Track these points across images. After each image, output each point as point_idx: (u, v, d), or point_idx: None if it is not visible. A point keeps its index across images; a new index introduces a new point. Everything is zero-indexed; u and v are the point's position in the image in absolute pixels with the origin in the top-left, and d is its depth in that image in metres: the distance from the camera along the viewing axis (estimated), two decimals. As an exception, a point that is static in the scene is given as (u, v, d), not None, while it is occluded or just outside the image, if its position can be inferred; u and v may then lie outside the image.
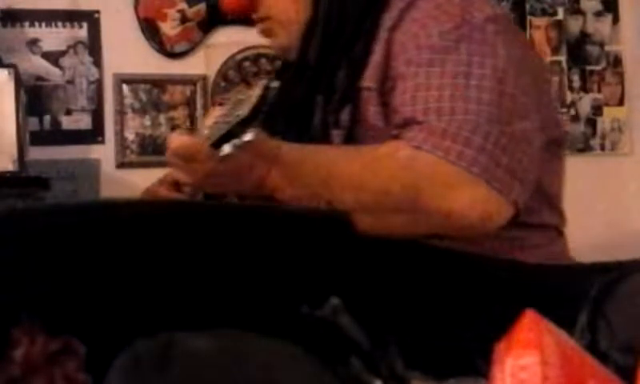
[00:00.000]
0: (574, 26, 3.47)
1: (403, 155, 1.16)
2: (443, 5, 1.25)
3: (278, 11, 1.39)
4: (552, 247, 1.33)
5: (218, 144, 1.04)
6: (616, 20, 3.50)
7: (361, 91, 1.27)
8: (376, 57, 1.26)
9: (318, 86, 1.33)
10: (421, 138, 1.16)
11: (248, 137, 1.03)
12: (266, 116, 1.05)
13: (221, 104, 1.22)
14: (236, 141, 1.03)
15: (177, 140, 1.18)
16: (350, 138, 1.27)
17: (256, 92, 1.05)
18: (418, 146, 1.15)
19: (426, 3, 1.27)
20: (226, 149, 1.03)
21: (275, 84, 1.07)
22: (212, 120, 1.12)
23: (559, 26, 3.45)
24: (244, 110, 1.04)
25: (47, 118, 2.85)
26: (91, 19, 2.89)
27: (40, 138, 2.77)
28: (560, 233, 1.37)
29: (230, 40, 2.92)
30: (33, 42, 2.84)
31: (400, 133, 1.19)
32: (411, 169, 1.15)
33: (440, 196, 1.13)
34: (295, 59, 1.40)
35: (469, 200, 1.14)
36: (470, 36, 1.21)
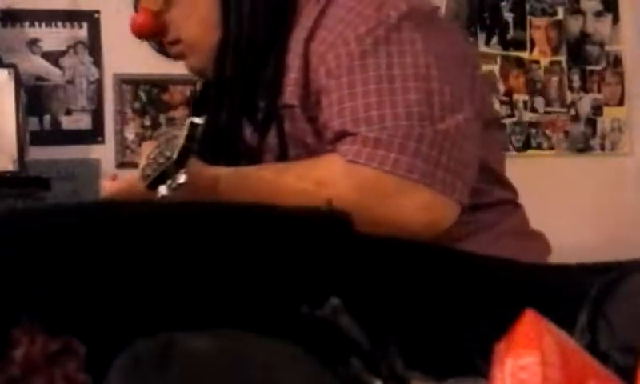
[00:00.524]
0: (574, 25, 3.48)
1: (339, 170, 1.15)
2: (356, 7, 1.22)
3: (187, 34, 1.34)
4: (508, 222, 1.32)
5: (153, 185, 1.06)
6: (616, 20, 3.51)
7: (283, 109, 1.24)
8: (293, 72, 1.23)
9: (240, 108, 1.30)
10: (354, 150, 1.15)
11: (182, 179, 1.04)
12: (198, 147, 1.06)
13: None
14: (170, 182, 1.04)
15: (110, 187, 1.19)
16: (284, 159, 1.25)
17: (183, 132, 1.05)
18: (353, 160, 1.14)
19: (337, 9, 1.23)
20: (162, 190, 1.05)
21: (201, 120, 1.06)
22: (144, 160, 1.12)
23: (559, 25, 3.45)
24: (174, 153, 1.04)
25: (47, 118, 2.86)
26: (91, 19, 2.89)
27: (40, 138, 2.77)
28: (516, 205, 1.37)
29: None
30: (33, 42, 2.85)
31: (334, 147, 1.18)
32: (348, 185, 1.14)
33: (381, 208, 1.13)
34: (212, 80, 1.36)
35: (410, 208, 1.13)
36: (387, 37, 1.18)
